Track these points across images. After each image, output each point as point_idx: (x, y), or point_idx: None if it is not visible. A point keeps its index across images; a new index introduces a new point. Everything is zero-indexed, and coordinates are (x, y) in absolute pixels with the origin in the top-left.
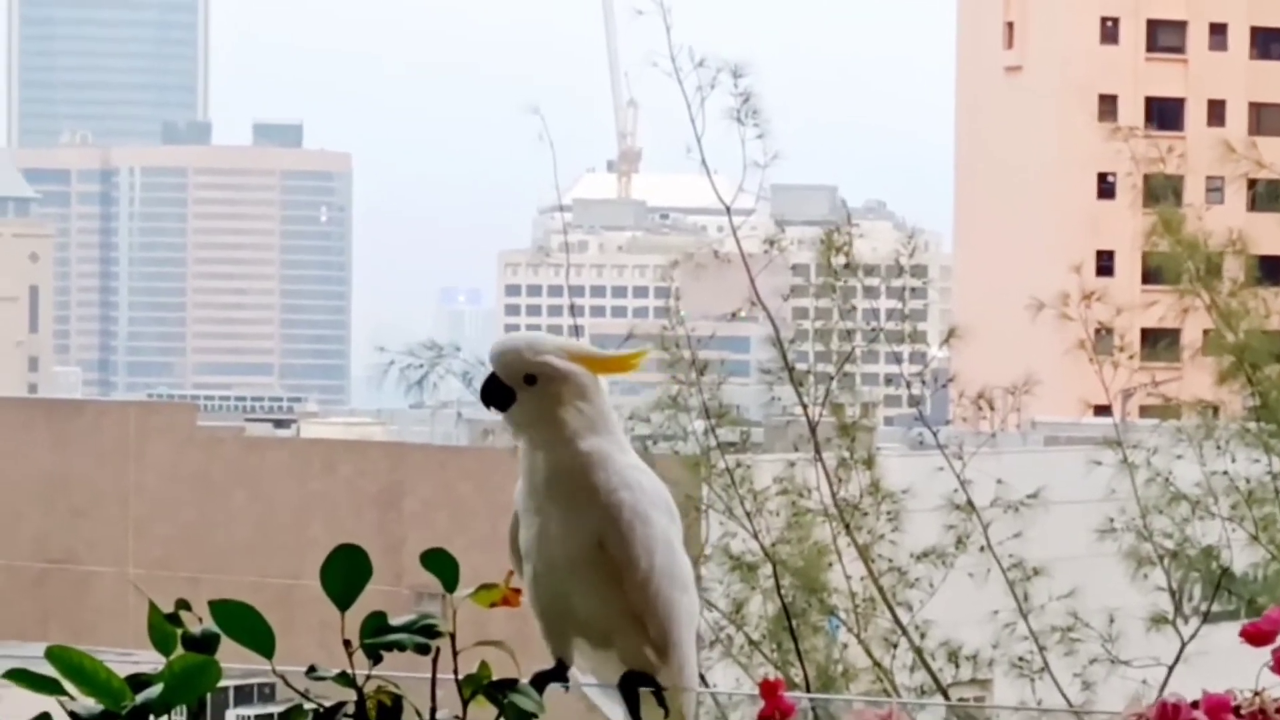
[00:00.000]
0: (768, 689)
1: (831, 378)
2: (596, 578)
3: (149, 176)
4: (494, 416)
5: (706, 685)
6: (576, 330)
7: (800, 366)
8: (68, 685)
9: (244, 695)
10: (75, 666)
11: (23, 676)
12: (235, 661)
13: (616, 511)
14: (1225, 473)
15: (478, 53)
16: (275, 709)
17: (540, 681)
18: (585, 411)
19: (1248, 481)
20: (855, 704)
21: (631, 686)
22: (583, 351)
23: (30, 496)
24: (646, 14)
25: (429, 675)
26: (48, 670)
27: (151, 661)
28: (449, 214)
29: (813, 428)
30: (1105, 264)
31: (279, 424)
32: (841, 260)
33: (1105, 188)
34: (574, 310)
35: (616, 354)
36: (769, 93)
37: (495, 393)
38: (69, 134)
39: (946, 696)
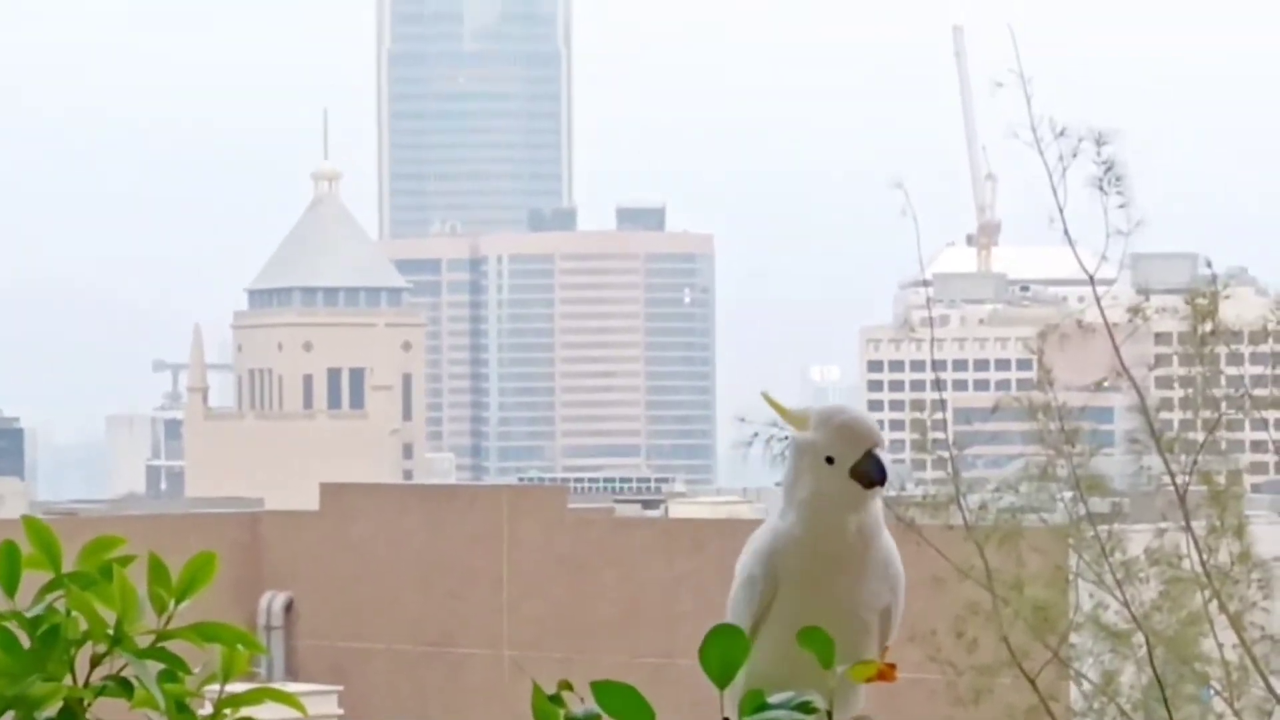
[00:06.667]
0: None
1: (1199, 445)
2: None
3: (516, 264)
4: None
5: None
6: (942, 405)
7: (1166, 435)
8: None
9: None
10: None
11: None
12: None
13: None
14: None
15: (834, 129)
16: None
17: None
18: None
19: None
20: None
21: None
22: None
23: (408, 581)
24: (1005, 86)
25: None
26: None
27: None
28: (810, 290)
29: (1181, 496)
30: None
31: (647, 504)
32: (1209, 326)
33: None
34: (938, 385)
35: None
36: (1131, 158)
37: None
38: (439, 224)
39: None
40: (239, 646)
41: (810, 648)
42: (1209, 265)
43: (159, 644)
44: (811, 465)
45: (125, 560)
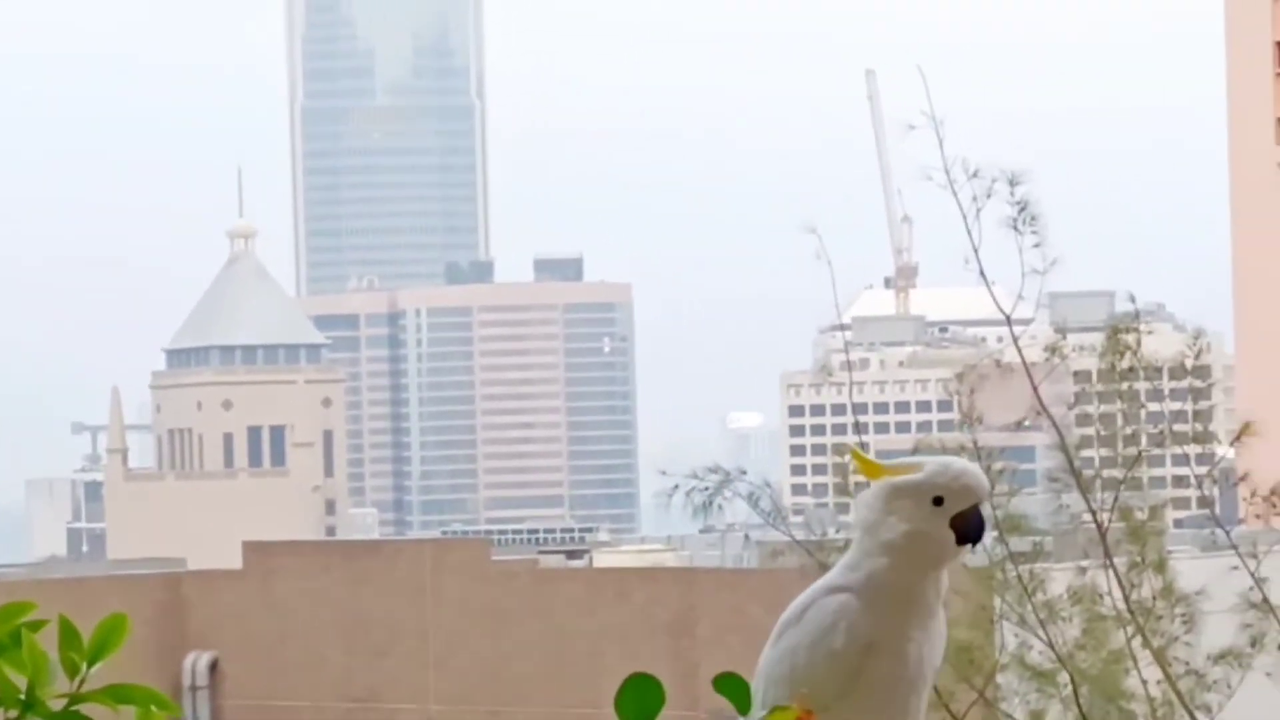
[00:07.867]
0: None
1: (1120, 482)
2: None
3: (435, 317)
4: (782, 537)
5: None
6: (863, 448)
7: (1087, 473)
8: None
9: None
10: None
11: None
12: None
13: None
14: None
15: (750, 175)
16: None
17: None
18: None
19: None
20: None
21: None
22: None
23: (332, 637)
24: (918, 128)
25: None
26: None
27: None
28: (729, 337)
29: (1102, 533)
30: None
31: (571, 555)
32: (1128, 362)
33: None
34: (858, 428)
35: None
36: (1045, 198)
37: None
38: (356, 279)
39: None
40: (152, 707)
41: (725, 694)
42: (1132, 300)
43: (72, 707)
44: (913, 507)
45: (36, 625)
